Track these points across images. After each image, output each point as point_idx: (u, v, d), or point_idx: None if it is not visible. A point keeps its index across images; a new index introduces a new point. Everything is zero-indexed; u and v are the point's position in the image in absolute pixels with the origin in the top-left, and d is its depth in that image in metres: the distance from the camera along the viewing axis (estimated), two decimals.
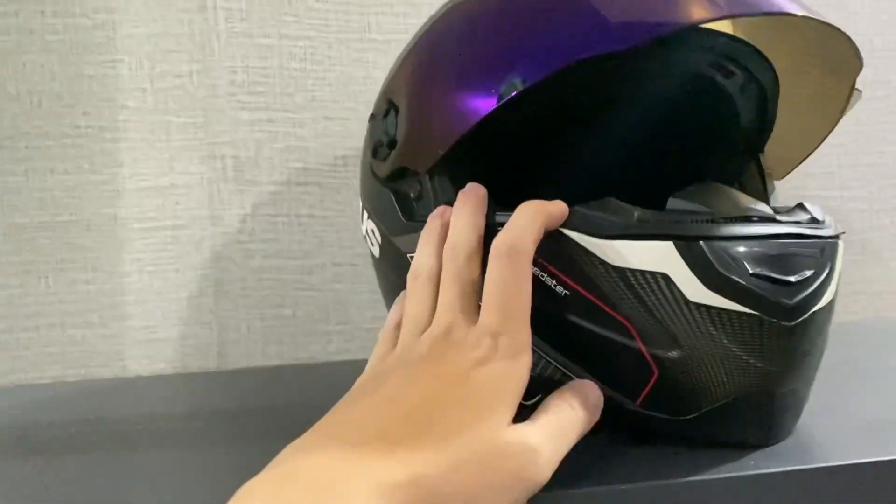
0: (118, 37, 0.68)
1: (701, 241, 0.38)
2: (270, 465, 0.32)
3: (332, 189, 0.72)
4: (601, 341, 0.40)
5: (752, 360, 0.39)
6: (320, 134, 0.71)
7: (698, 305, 0.38)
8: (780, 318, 0.38)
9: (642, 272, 0.39)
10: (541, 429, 0.35)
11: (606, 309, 0.40)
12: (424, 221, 0.45)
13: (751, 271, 0.38)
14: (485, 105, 0.42)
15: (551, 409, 0.37)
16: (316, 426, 0.35)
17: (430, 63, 0.48)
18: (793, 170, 0.57)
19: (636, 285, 0.39)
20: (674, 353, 0.39)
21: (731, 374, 0.39)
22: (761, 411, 0.41)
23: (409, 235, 0.47)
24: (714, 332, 0.38)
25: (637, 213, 0.40)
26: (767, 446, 0.41)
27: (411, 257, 0.45)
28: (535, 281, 0.39)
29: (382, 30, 0.72)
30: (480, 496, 0.32)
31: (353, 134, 0.71)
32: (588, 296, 0.40)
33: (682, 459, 0.40)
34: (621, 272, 0.39)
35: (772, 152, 0.54)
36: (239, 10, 0.70)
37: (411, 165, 0.47)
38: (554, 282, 0.41)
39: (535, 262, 0.40)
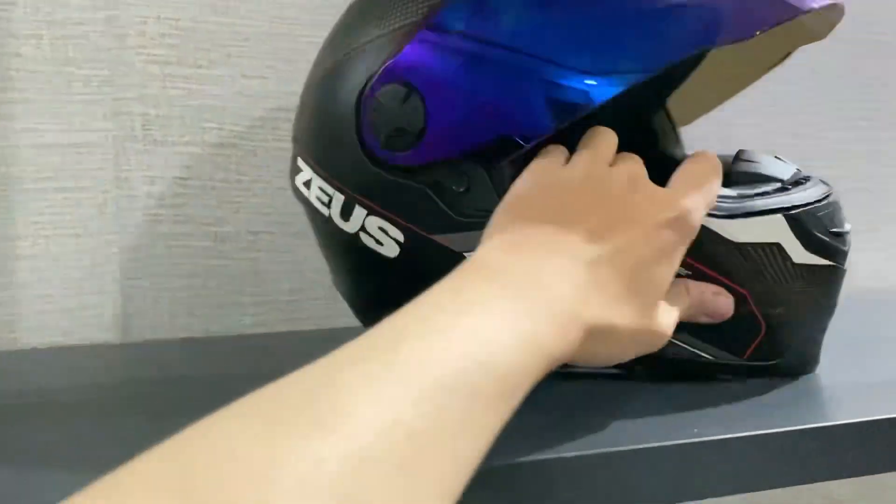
0: None
1: (800, 210, 0.45)
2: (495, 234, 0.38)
3: (248, 152, 0.67)
4: None
5: (824, 302, 0.48)
6: (237, 93, 0.67)
7: (800, 266, 0.45)
8: (843, 263, 0.47)
9: (760, 244, 0.45)
10: (672, 321, 0.41)
11: (725, 281, 0.45)
12: (480, 218, 0.42)
13: (829, 230, 0.46)
14: (598, 93, 0.41)
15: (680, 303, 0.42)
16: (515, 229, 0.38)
17: (500, 38, 0.43)
18: (699, 116, 0.60)
19: (754, 256, 0.45)
20: (779, 310, 0.46)
21: (813, 318, 0.48)
22: (818, 343, 0.49)
23: (464, 234, 0.44)
24: (808, 287, 0.46)
25: (738, 191, 0.46)
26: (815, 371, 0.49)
27: (468, 254, 0.41)
28: None
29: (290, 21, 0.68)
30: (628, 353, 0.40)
31: (271, 94, 0.67)
32: (709, 272, 0.44)
33: (629, 427, 0.39)
34: (740, 247, 0.44)
35: (685, 98, 0.58)
36: None
37: (477, 158, 0.43)
38: None
39: None
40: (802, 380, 0.48)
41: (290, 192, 0.53)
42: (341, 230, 0.48)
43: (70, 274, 0.64)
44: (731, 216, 0.44)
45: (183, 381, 0.54)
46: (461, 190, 0.44)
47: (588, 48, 0.42)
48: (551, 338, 0.33)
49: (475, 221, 0.43)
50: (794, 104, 0.84)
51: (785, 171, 0.49)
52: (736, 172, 0.48)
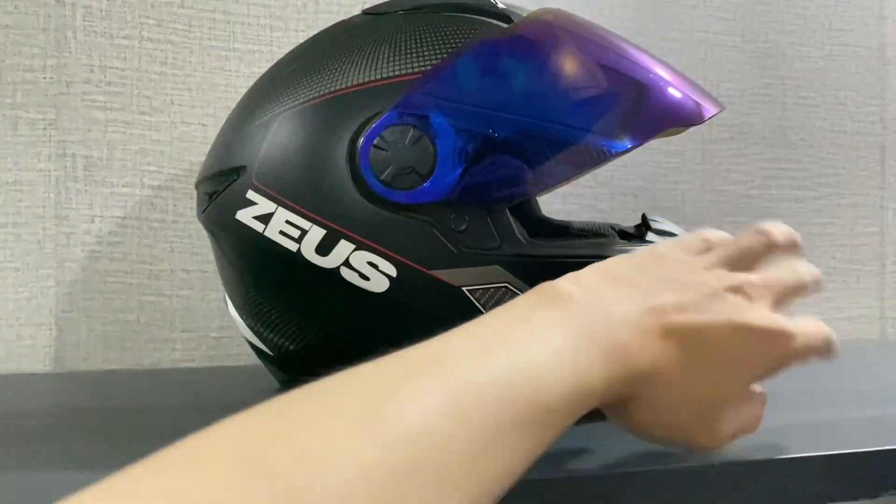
0: None
1: None
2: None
3: (185, 194, 0.71)
4: None
5: None
6: (177, 138, 0.71)
7: None
8: None
9: None
10: (730, 432, 0.39)
11: None
12: (479, 254, 0.47)
13: None
14: (621, 144, 0.47)
15: None
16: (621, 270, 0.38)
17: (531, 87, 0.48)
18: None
19: None
20: None
21: None
22: None
23: (463, 269, 0.48)
24: None
25: None
26: None
27: (468, 290, 0.47)
28: None
29: (247, 40, 0.73)
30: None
31: (209, 139, 0.71)
32: None
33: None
34: None
35: None
36: (99, 9, 0.69)
37: (479, 201, 0.48)
38: None
39: None
40: None
41: None
42: (313, 265, 0.49)
43: (7, 306, 0.67)
44: None
45: (110, 411, 0.56)
46: (461, 228, 0.48)
47: (596, 115, 0.48)
48: (598, 376, 0.33)
49: (475, 257, 0.48)
50: (723, 161, 0.87)
51: (677, 229, 0.57)
52: (655, 230, 0.55)
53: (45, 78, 0.68)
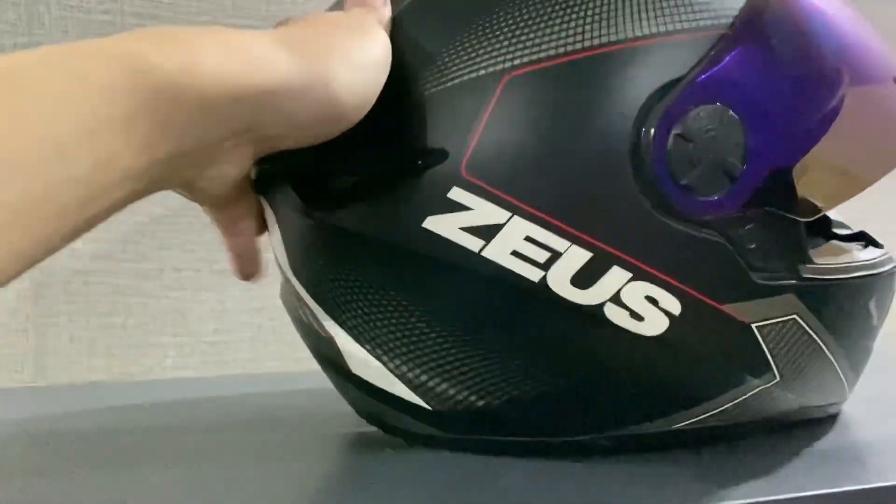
0: None
1: None
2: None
3: None
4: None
5: None
6: None
7: None
8: None
9: None
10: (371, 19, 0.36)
11: None
12: (774, 281, 0.36)
13: None
14: None
15: None
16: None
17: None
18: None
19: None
20: None
21: None
22: None
23: (757, 301, 0.36)
24: None
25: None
26: None
27: (758, 328, 0.36)
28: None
29: (244, 14, 0.66)
30: None
31: None
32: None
33: None
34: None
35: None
36: None
37: (784, 208, 0.36)
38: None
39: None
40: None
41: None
42: (560, 301, 0.34)
43: None
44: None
45: (96, 430, 0.50)
46: (751, 246, 0.36)
47: None
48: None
49: (770, 284, 0.36)
50: None
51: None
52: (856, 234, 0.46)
53: None
